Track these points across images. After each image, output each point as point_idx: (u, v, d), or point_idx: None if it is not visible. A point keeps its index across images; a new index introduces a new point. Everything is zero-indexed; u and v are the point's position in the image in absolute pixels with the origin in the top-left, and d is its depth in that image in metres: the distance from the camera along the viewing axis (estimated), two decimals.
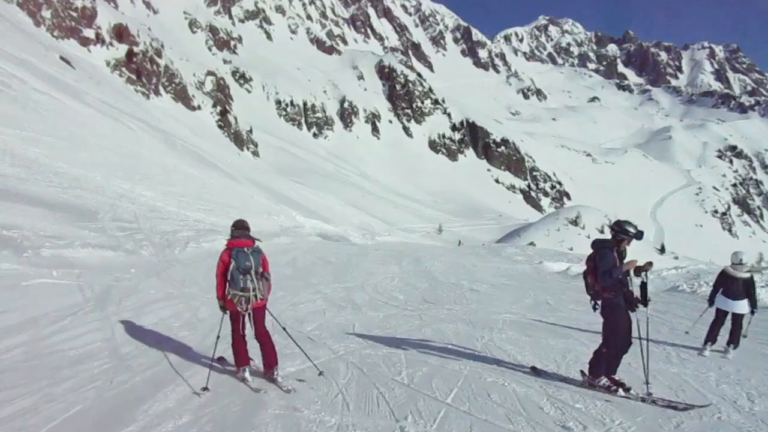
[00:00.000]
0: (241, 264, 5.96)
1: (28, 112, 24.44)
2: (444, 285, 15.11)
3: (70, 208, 15.20)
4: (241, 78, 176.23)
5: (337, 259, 19.38)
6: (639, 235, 6.76)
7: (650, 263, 7.02)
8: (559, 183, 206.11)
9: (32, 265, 9.99)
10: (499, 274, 17.58)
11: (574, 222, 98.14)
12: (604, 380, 6.68)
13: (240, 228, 6.24)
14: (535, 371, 7.28)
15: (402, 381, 6.60)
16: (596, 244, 6.90)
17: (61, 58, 70.64)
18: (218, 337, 6.46)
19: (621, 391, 6.49)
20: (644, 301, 6.61)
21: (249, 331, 6.31)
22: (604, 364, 6.72)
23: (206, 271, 12.15)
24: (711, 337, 9.12)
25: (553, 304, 12.70)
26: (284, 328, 6.90)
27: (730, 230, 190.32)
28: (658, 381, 6.98)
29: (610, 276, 6.41)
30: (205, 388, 5.93)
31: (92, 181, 18.84)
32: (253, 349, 6.47)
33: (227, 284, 6.01)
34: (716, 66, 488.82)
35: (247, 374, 6.30)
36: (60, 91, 34.80)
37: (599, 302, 6.73)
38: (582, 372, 7.03)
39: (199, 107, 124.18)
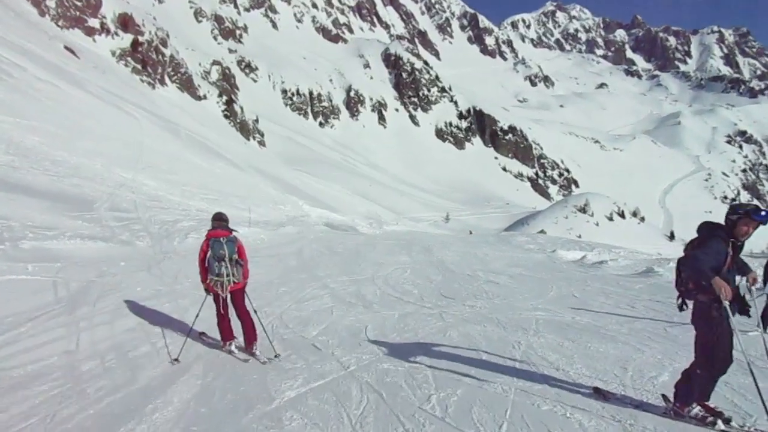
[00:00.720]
0: (216, 252, 6.70)
1: (29, 100, 23.98)
2: (459, 277, 14.04)
3: (64, 198, 14.65)
4: (247, 67, 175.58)
5: (345, 250, 18.55)
6: (758, 213, 4.81)
7: (754, 278, 5.21)
8: (567, 170, 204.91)
9: (7, 259, 9.05)
10: (513, 263, 16.76)
11: (583, 209, 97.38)
12: (696, 409, 5.23)
13: (217, 220, 7.00)
14: (598, 393, 5.80)
15: (433, 412, 5.32)
16: (702, 228, 5.30)
17: (65, 47, 70.24)
18: (197, 316, 7.16)
19: (720, 423, 5.05)
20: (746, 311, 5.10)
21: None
22: (696, 389, 5.22)
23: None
24: None
25: (580, 297, 11.50)
26: (255, 311, 7.33)
27: None
28: (752, 403, 5.51)
29: (700, 270, 4.81)
30: (176, 360, 6.61)
31: (92, 169, 18.38)
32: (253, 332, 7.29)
33: (207, 270, 6.81)
34: (726, 50, 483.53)
35: (233, 347, 7.09)
36: (62, 80, 34.36)
37: (690, 303, 5.26)
38: (665, 397, 5.54)
39: (204, 97, 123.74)
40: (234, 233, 6.99)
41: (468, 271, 15.02)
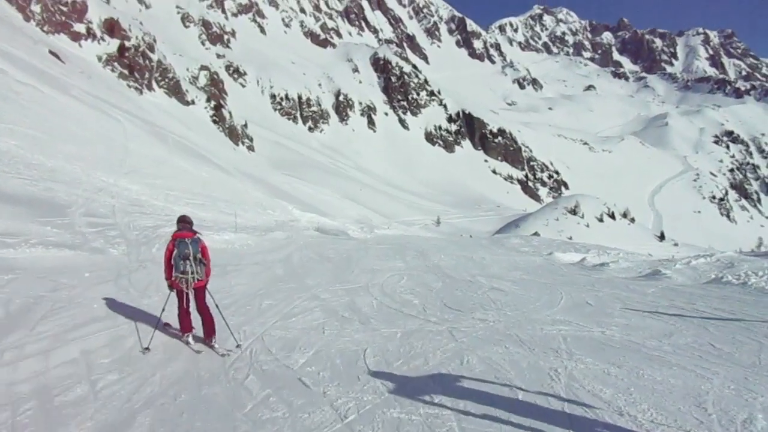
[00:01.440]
0: (181, 251, 7.20)
1: (8, 103, 23.24)
2: (460, 283, 13.16)
3: (35, 202, 13.93)
4: (235, 72, 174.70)
5: (336, 255, 17.67)
6: None
7: None
8: (557, 172, 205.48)
9: None
10: (512, 267, 16.33)
11: (573, 211, 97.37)
12: None
13: (182, 222, 7.48)
14: None
15: None
16: None
17: (50, 52, 69.37)
18: (163, 310, 7.71)
19: None
20: None
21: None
22: None
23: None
24: None
25: (595, 304, 10.63)
26: (217, 306, 7.81)
27: (728, 216, 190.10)
28: None
29: None
30: (147, 348, 7.13)
31: (70, 173, 17.68)
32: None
33: (172, 268, 7.27)
34: (711, 52, 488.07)
35: (189, 339, 7.59)
36: (44, 84, 33.67)
37: None
38: None
39: (193, 102, 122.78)
40: (198, 235, 7.53)
41: (467, 277, 14.41)
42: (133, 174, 21.18)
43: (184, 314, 7.46)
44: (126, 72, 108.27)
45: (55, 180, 16.54)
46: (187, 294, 7.34)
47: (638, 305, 10.58)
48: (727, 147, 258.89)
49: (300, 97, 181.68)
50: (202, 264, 7.33)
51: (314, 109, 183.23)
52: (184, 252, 7.17)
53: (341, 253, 18.60)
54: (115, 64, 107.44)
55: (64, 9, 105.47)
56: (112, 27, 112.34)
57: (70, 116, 27.97)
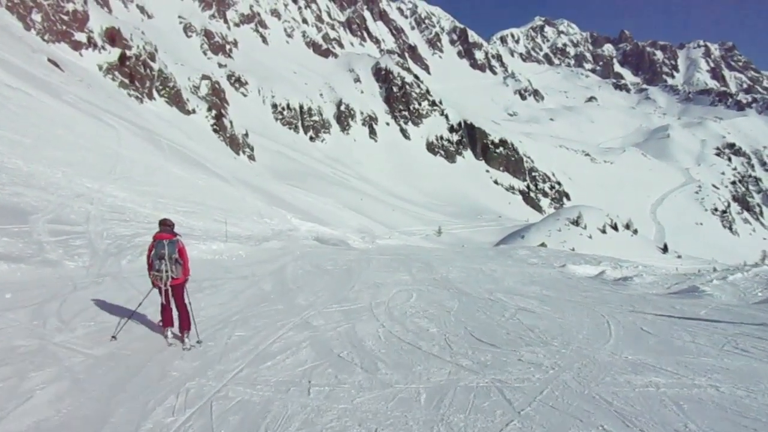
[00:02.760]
0: (158, 252, 7.73)
1: None
2: (478, 302, 11.53)
3: None
4: (237, 82, 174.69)
5: (335, 267, 16.09)
6: None
7: None
8: (559, 183, 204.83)
9: None
10: (526, 280, 15.01)
11: (576, 222, 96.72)
12: None
13: (162, 224, 8.00)
14: None
15: None
16: None
17: (49, 60, 69.01)
18: (140, 304, 8.36)
19: None
20: None
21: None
22: None
23: (142, 292, 8.89)
24: None
25: (657, 333, 9.07)
26: (190, 303, 8.07)
27: (730, 228, 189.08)
28: None
29: None
30: (114, 337, 7.63)
31: (48, 179, 16.74)
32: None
33: (150, 266, 7.81)
34: (712, 64, 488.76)
35: (168, 332, 8.04)
36: (36, 89, 33.04)
37: None
38: None
39: (194, 111, 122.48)
40: (177, 237, 8.02)
41: (485, 293, 12.76)
42: (122, 180, 20.38)
43: (164, 309, 8.02)
44: (127, 81, 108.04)
45: (29, 185, 15.53)
46: (166, 291, 7.86)
47: (703, 332, 9.00)
48: (729, 159, 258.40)
49: (301, 107, 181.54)
50: (178, 264, 7.81)
51: (316, 118, 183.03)
52: (161, 252, 7.70)
53: (341, 264, 17.18)
54: (116, 73, 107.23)
55: (65, 18, 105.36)
56: (113, 36, 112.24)
57: (60, 122, 27.25)
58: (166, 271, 7.69)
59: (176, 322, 7.98)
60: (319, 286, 12.91)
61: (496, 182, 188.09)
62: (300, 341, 8.08)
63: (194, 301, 8.33)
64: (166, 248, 7.70)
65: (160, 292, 7.86)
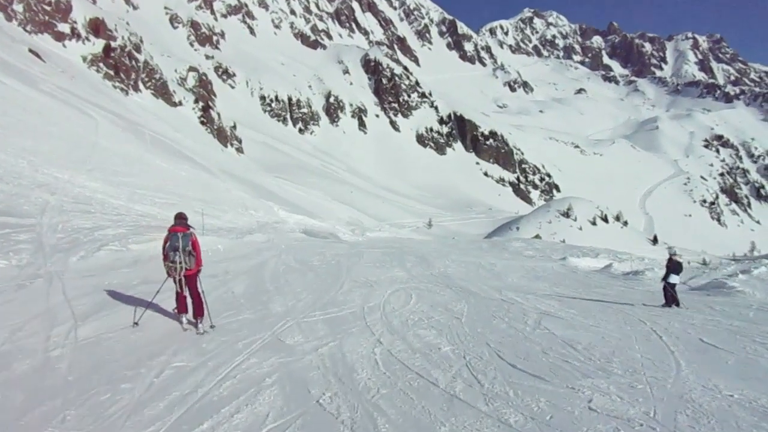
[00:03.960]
0: (172, 244, 8.05)
1: None
2: (491, 304, 10.02)
3: None
4: (224, 74, 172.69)
5: (323, 263, 14.50)
6: None
7: None
8: (548, 175, 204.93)
9: None
10: (532, 276, 13.88)
11: (566, 214, 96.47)
12: None
13: (178, 218, 8.36)
14: None
15: None
16: None
17: (30, 50, 67.42)
18: (157, 292, 8.53)
19: None
20: None
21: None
22: None
23: (74, 299, 8.15)
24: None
25: (725, 347, 7.90)
26: (203, 291, 8.25)
27: (718, 219, 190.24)
28: None
29: None
30: (136, 323, 7.92)
31: (10, 167, 15.49)
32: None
33: (166, 257, 8.09)
34: (700, 56, 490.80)
35: (183, 318, 8.42)
36: (13, 78, 31.87)
37: None
38: None
39: (180, 103, 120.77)
40: (191, 230, 8.40)
41: (493, 292, 11.24)
42: (96, 171, 19.30)
43: (179, 297, 8.38)
44: (111, 72, 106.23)
45: None
46: (180, 280, 8.21)
47: None
48: (717, 151, 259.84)
49: (290, 99, 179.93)
50: (191, 255, 8.15)
51: (304, 110, 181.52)
52: (175, 244, 8.04)
53: (329, 259, 15.63)
54: (101, 64, 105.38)
55: (48, 8, 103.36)
56: (97, 27, 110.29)
57: (34, 110, 26.08)
58: (180, 263, 8.04)
59: (190, 309, 8.34)
60: (302, 286, 11.27)
61: (486, 174, 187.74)
62: (263, 375, 5.99)
63: (138, 312, 7.94)
64: (180, 241, 8.07)
65: (175, 281, 8.21)
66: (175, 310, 8.42)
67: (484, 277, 13.68)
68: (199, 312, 8.23)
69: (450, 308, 9.68)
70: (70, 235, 12.03)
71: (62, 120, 28.42)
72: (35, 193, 14.27)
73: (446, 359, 6.75)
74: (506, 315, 9.39)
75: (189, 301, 8.27)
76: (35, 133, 21.01)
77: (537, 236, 64.88)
